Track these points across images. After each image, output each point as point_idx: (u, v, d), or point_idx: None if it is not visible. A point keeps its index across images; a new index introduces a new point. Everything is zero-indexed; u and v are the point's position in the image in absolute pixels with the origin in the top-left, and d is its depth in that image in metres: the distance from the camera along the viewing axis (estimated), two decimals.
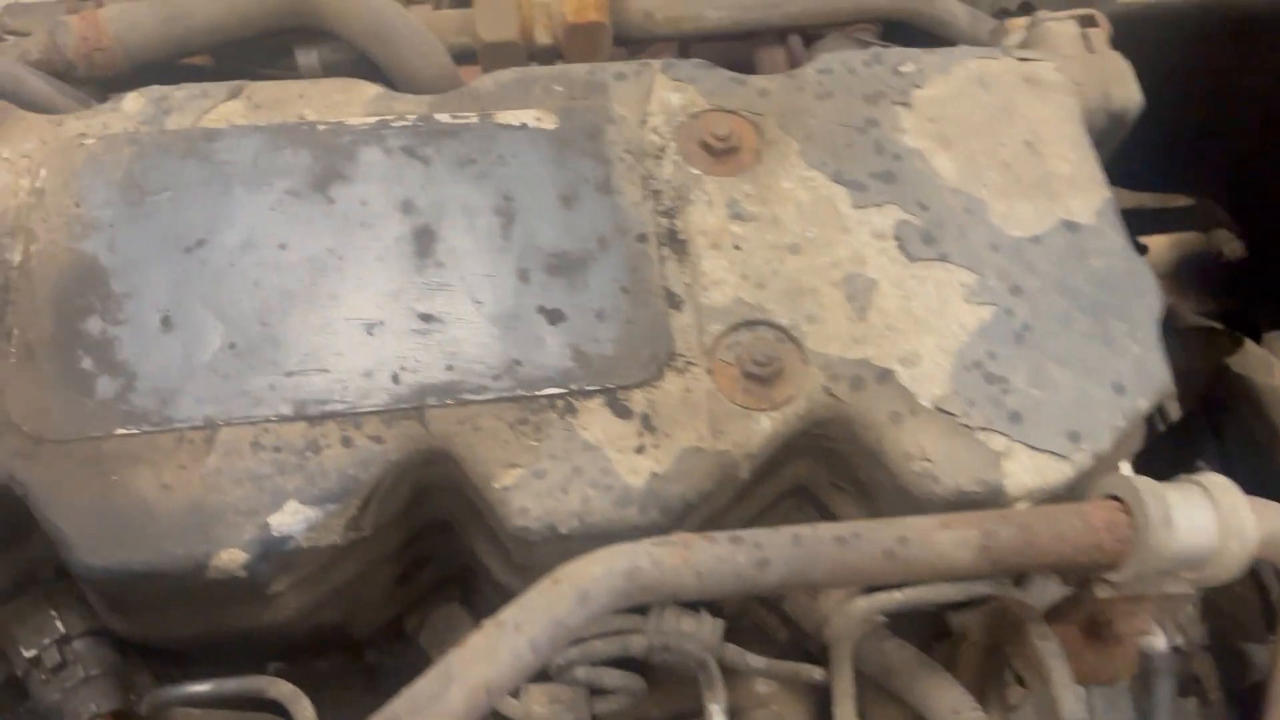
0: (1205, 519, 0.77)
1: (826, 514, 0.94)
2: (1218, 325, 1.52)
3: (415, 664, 1.05)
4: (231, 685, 0.81)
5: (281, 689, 0.80)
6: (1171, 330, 1.46)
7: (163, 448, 0.80)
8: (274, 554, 0.79)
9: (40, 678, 0.85)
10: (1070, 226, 0.93)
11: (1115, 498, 0.79)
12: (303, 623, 0.89)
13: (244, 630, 0.87)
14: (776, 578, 0.74)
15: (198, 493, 0.79)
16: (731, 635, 0.91)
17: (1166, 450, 1.24)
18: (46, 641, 0.86)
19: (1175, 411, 1.43)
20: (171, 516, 0.78)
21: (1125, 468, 1.02)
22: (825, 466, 0.91)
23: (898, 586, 0.87)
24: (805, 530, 0.76)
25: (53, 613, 0.88)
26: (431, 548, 0.96)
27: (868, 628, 0.92)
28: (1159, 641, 1.02)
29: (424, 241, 0.90)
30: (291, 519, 0.79)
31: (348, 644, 0.98)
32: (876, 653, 0.91)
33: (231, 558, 0.78)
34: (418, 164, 0.92)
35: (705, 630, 0.90)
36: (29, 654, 0.86)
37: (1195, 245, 1.76)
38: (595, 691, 0.97)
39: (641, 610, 0.88)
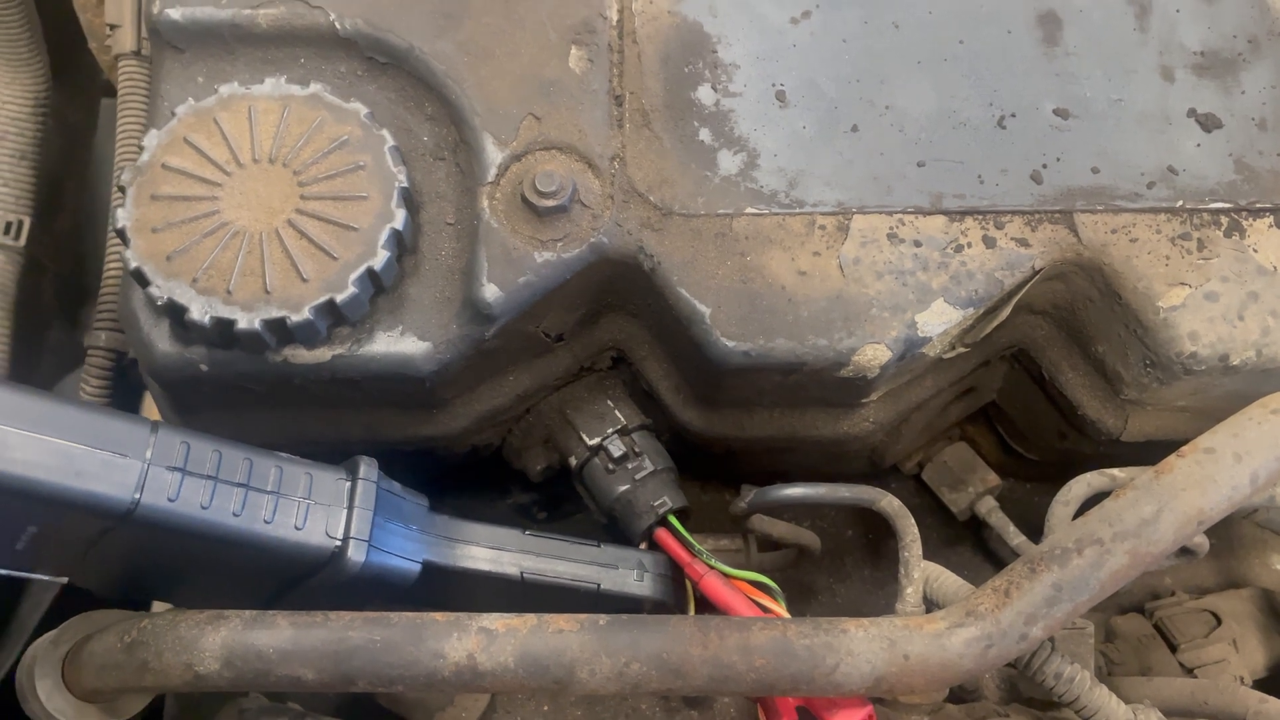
0: None
1: None
2: None
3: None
4: (843, 492, 0.76)
5: (891, 504, 0.74)
6: None
7: (795, 231, 0.74)
8: (909, 356, 0.73)
9: (606, 467, 0.82)
10: None
11: None
12: (864, 442, 0.83)
13: (812, 440, 0.82)
14: None
15: (837, 283, 0.72)
16: None
17: None
18: (610, 430, 0.83)
19: None
20: (812, 305, 0.72)
21: None
22: None
23: None
24: None
25: (610, 403, 0.84)
26: (983, 380, 0.88)
27: None
28: None
29: (1050, 28, 0.79)
30: (937, 319, 0.72)
31: (873, 473, 0.93)
32: None
33: (875, 355, 0.71)
34: None
35: None
36: (592, 441, 0.82)
37: None
38: None
39: None
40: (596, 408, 0.84)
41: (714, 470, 0.95)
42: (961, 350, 0.77)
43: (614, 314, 0.79)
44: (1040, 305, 0.79)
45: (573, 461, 0.84)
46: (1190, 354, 0.71)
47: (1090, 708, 0.68)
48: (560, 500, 0.96)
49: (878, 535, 0.99)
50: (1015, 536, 0.92)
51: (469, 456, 0.88)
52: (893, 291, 0.72)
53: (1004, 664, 0.65)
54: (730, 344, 0.71)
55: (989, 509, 0.94)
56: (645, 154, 0.75)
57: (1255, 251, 0.73)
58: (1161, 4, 0.80)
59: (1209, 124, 0.76)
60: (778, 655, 0.63)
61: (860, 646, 0.63)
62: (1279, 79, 0.77)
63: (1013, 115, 0.77)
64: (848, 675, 0.63)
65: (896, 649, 0.63)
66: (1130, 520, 0.64)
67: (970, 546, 0.98)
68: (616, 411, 0.84)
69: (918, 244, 0.73)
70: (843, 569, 0.98)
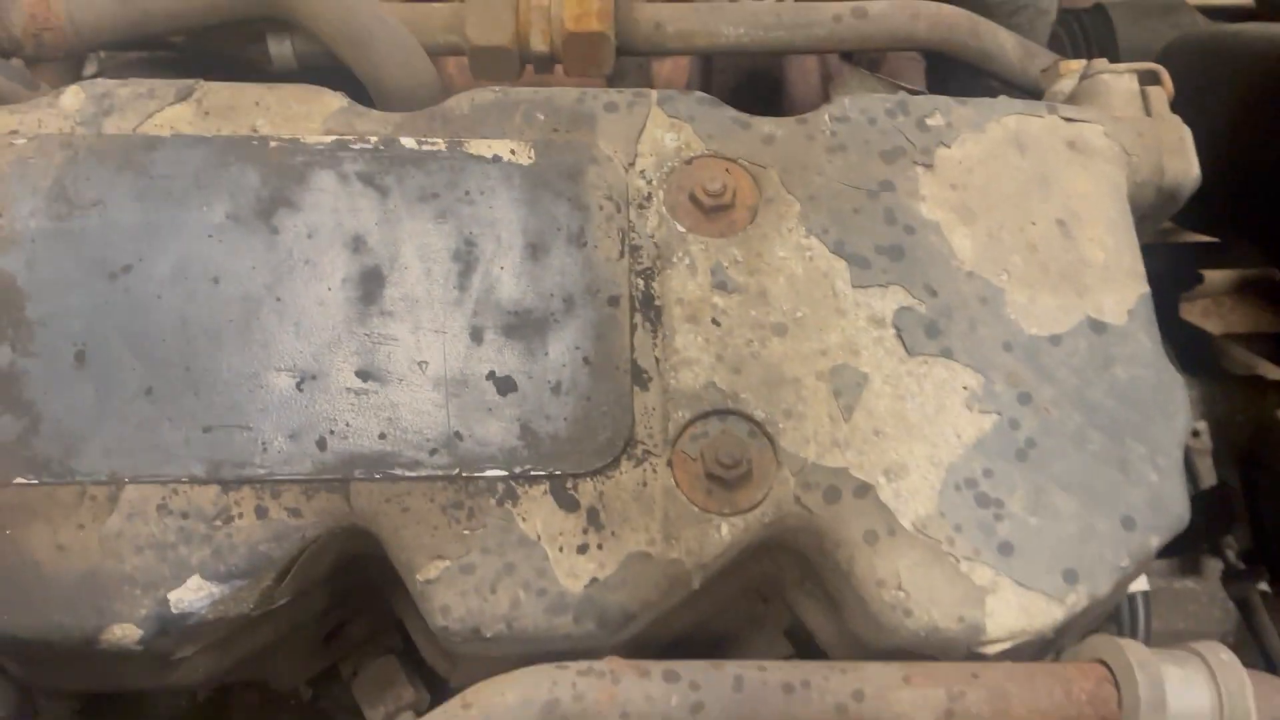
0: (1204, 701, 0.68)
1: (792, 614, 0.86)
2: (1267, 374, 1.41)
3: (350, 706, 1.01)
4: None
5: None
6: (1216, 373, 1.35)
7: (62, 503, 0.73)
8: (173, 629, 0.73)
9: None
10: (1097, 327, 0.82)
11: (1103, 662, 0.70)
12: (214, 681, 0.83)
13: (149, 688, 0.82)
14: None
15: (94, 558, 0.72)
16: None
17: (1194, 518, 1.18)
18: None
19: (1209, 474, 1.33)
20: (63, 582, 0.72)
21: (1141, 582, 0.94)
22: (795, 566, 0.82)
23: None
24: (750, 672, 0.68)
25: None
26: (362, 605, 0.89)
27: None
28: None
29: (371, 286, 0.81)
30: (194, 594, 0.72)
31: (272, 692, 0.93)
32: None
33: (124, 633, 0.71)
34: (375, 194, 0.83)
35: None
36: None
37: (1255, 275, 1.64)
38: None
39: None
40: None
41: None
42: (282, 603, 0.78)
43: None
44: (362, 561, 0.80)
45: None
46: (442, 627, 0.73)
47: None
48: None
49: None
50: None
51: None
52: (149, 567, 0.72)
53: None
54: None
55: None
56: None
57: (523, 521, 0.75)
58: (486, 261, 0.82)
59: (504, 388, 0.79)
60: None
61: None
62: (583, 339, 0.80)
63: (314, 378, 0.78)
64: None
65: None
66: None
67: None
68: None
69: (185, 515, 0.74)
70: None
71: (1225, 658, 0.69)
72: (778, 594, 0.86)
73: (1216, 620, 1.55)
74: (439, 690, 0.99)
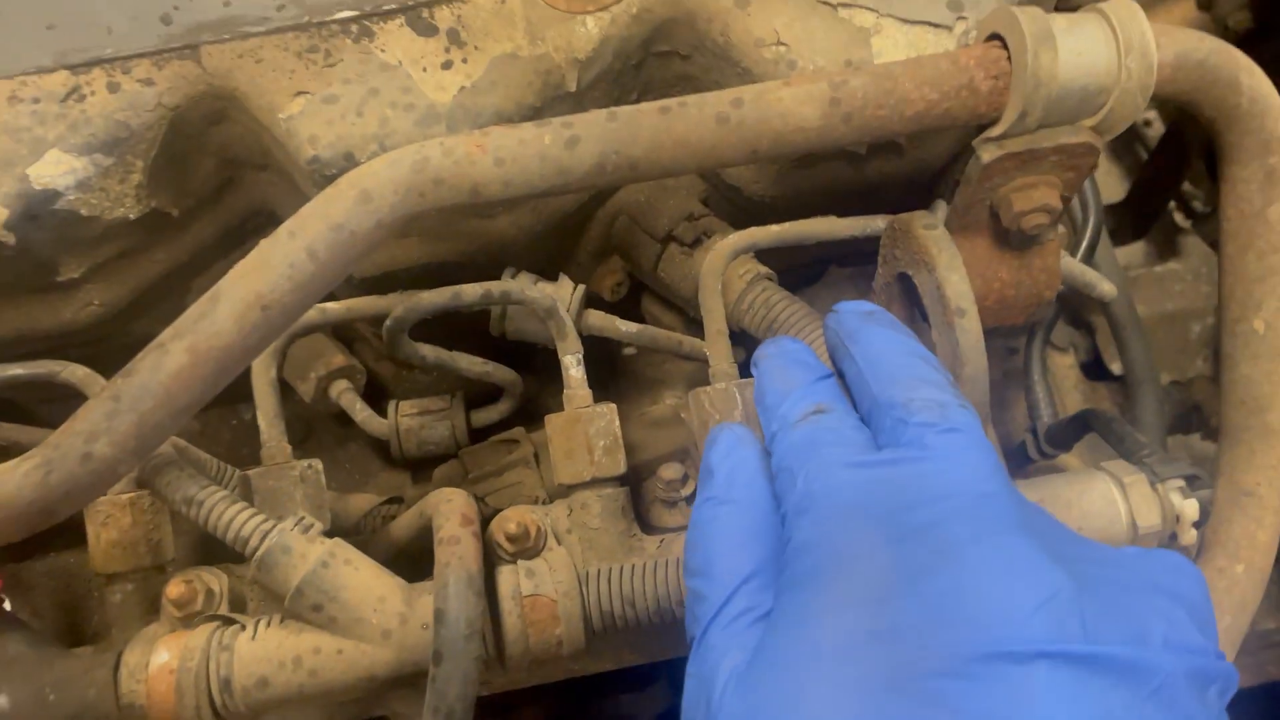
0: (1096, 36, 0.64)
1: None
2: None
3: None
4: (16, 370, 0.72)
5: (75, 372, 0.71)
6: None
7: None
8: (42, 213, 0.70)
9: None
10: None
11: (994, 38, 0.67)
12: (119, 327, 0.81)
13: (45, 333, 0.79)
14: (590, 158, 0.64)
15: None
16: None
17: (1149, 168, 1.10)
18: None
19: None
20: None
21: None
22: (678, 71, 0.79)
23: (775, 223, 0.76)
24: (623, 107, 0.65)
25: None
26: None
27: (748, 275, 0.81)
28: (1106, 289, 0.91)
29: None
30: (54, 169, 0.70)
31: None
32: (762, 306, 0.80)
33: None
34: None
35: (563, 291, 0.80)
36: None
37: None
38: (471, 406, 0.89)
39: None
40: None
41: None
42: (167, 209, 0.76)
43: None
44: (241, 157, 0.77)
45: None
46: (313, 157, 0.70)
47: (215, 519, 0.65)
48: None
49: None
50: (361, 412, 0.90)
51: None
52: (6, 150, 0.70)
53: (86, 490, 0.62)
54: None
55: (340, 391, 0.91)
56: None
57: (382, 51, 0.73)
58: None
59: None
60: None
61: None
62: None
63: None
64: None
65: None
66: (189, 316, 0.62)
67: None
68: None
69: (36, 101, 0.71)
70: None
71: (1125, 12, 0.65)
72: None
73: (1205, 296, 1.51)
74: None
